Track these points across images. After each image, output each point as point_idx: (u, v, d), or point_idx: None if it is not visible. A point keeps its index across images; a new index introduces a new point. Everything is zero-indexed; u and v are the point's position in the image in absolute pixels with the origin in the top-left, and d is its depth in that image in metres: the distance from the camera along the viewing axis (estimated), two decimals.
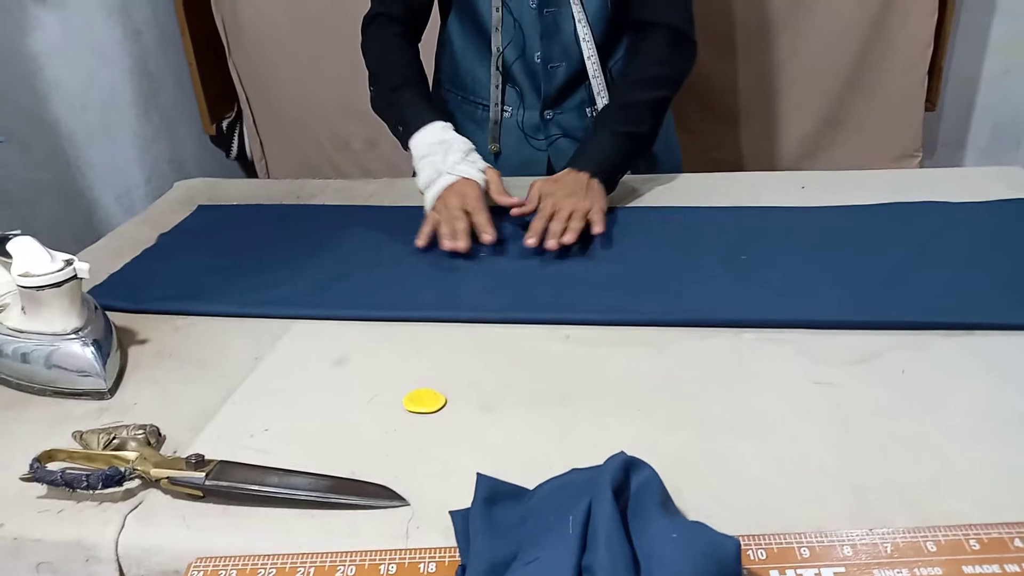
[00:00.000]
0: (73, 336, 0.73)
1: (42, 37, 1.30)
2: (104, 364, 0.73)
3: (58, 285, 0.72)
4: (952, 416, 0.64)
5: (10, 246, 0.75)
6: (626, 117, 1.03)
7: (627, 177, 1.15)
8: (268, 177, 1.85)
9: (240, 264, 0.97)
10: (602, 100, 1.11)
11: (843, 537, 0.51)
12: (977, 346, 0.72)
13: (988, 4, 1.60)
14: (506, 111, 1.14)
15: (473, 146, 1.02)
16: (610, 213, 1.02)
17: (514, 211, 0.96)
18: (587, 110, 1.15)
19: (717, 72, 1.62)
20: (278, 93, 1.72)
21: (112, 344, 0.77)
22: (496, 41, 1.09)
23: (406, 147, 1.04)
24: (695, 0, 1.06)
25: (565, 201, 0.94)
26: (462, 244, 0.90)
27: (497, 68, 1.10)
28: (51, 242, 0.74)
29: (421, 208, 1.09)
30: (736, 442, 0.63)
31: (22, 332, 0.74)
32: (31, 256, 0.73)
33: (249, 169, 1.90)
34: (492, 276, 0.89)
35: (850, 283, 0.83)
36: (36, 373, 0.74)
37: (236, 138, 1.85)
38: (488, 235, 0.90)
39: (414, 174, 1.03)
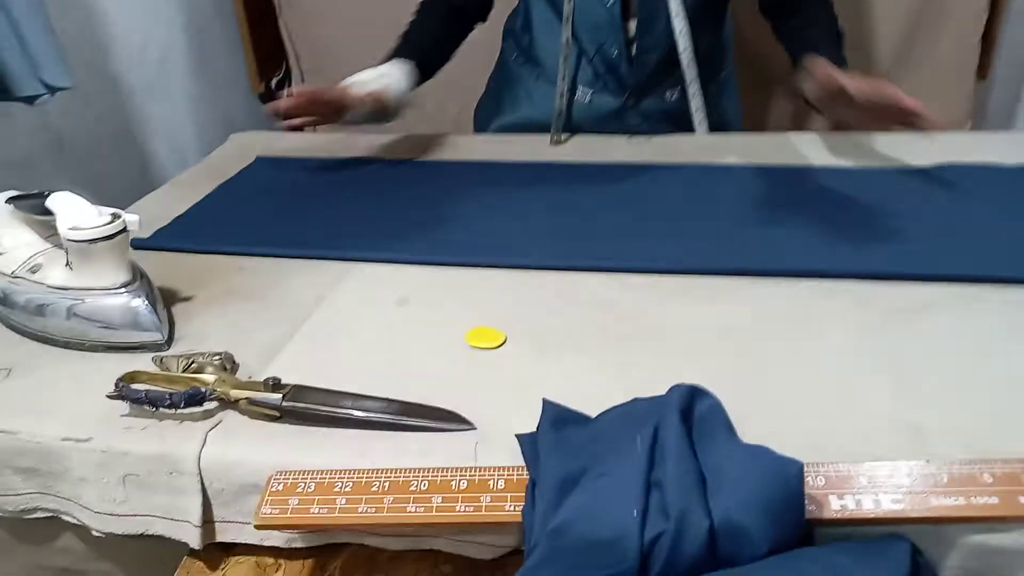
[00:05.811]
0: (124, 290, 0.73)
1: None
2: (159, 315, 0.73)
3: (110, 238, 0.71)
4: (1003, 364, 0.65)
5: (50, 202, 0.73)
6: (839, 47, 1.07)
7: (686, 136, 1.17)
8: None
9: (301, 210, 1.00)
10: (692, 85, 1.13)
11: (901, 468, 0.53)
12: None
13: None
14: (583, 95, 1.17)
15: (394, 70, 1.10)
16: (662, 170, 1.04)
17: (854, 88, 0.88)
18: (667, 93, 1.17)
19: (764, 39, 1.60)
20: (328, 53, 1.74)
21: (158, 297, 0.76)
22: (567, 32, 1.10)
23: None
24: None
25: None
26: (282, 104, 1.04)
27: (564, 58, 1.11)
28: (107, 193, 0.74)
29: (475, 163, 1.11)
30: (794, 382, 0.64)
31: (67, 289, 0.73)
32: (77, 210, 0.72)
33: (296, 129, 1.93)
34: (548, 226, 0.91)
35: (904, 238, 0.84)
36: (88, 330, 0.72)
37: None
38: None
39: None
